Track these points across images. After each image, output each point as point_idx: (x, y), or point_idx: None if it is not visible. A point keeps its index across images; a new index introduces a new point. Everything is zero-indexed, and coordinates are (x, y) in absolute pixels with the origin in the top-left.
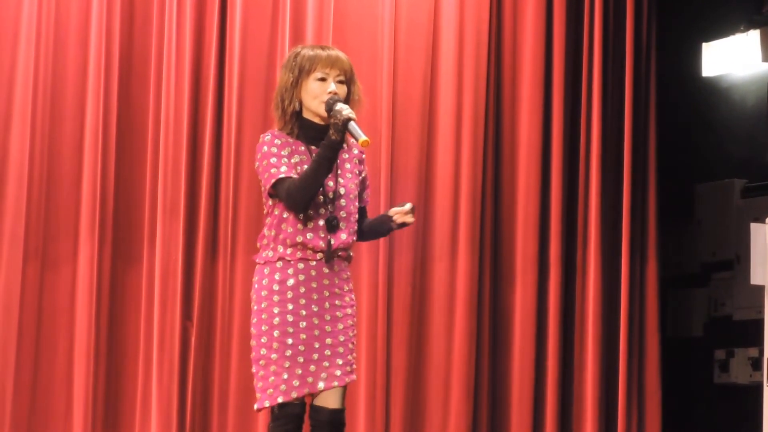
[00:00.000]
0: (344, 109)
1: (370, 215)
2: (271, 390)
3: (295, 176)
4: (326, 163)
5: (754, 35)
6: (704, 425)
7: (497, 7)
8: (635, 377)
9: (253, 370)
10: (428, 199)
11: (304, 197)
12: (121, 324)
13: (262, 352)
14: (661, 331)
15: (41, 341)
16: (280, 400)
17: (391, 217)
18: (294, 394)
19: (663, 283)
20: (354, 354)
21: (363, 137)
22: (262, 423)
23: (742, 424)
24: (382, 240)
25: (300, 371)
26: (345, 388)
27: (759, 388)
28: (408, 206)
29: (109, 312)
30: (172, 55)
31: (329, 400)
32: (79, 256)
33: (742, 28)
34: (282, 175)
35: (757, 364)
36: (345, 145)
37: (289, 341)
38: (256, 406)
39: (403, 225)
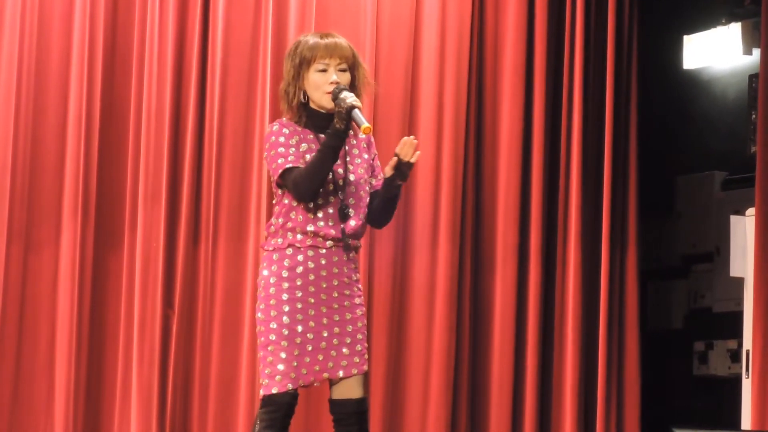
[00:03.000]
0: (348, 97)
1: None
2: (280, 377)
3: (302, 166)
4: (331, 152)
5: (736, 28)
6: (683, 417)
7: (479, 0)
8: (615, 369)
9: (260, 355)
10: (409, 190)
11: (311, 187)
12: (102, 311)
13: (271, 338)
14: (640, 322)
15: (24, 326)
16: (289, 387)
17: (390, 173)
18: (301, 382)
19: (643, 274)
20: (365, 344)
21: (365, 124)
22: (243, 411)
23: (721, 416)
24: None
25: (308, 359)
26: (365, 375)
27: (738, 380)
28: (410, 138)
29: (91, 299)
30: (155, 42)
31: (349, 391)
32: (62, 242)
33: (723, 21)
34: (289, 165)
35: (736, 356)
36: (352, 132)
37: (299, 329)
38: (262, 392)
39: (405, 173)
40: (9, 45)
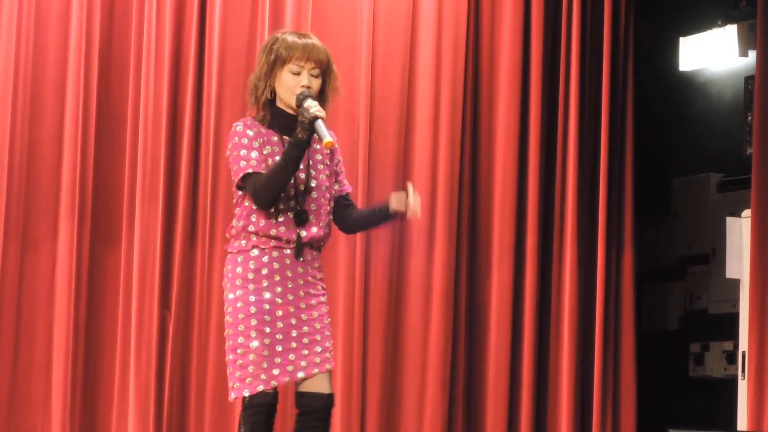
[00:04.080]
0: (312, 107)
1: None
2: (250, 379)
3: (264, 171)
4: (293, 162)
5: (731, 30)
6: (679, 419)
7: (476, 0)
8: (611, 370)
9: (230, 358)
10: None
11: (270, 195)
12: (99, 310)
13: (239, 341)
14: (636, 324)
15: (21, 326)
16: (260, 389)
17: (395, 209)
18: (273, 383)
19: (639, 276)
20: (331, 341)
21: (327, 138)
22: (239, 411)
23: (717, 417)
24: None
25: (279, 360)
26: (330, 373)
27: (734, 381)
28: (410, 188)
29: (87, 298)
30: (151, 42)
31: (319, 386)
32: (59, 241)
33: (719, 23)
34: (250, 170)
35: (731, 357)
36: (316, 136)
37: (267, 329)
38: (232, 395)
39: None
40: (6, 45)
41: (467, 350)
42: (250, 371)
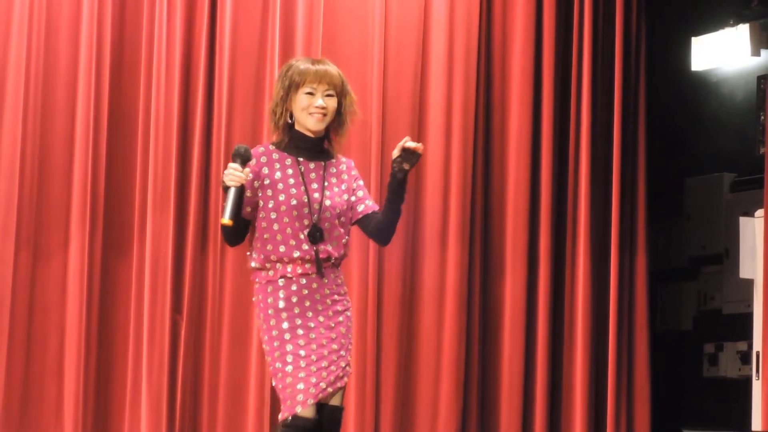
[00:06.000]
0: (227, 174)
1: None
2: (290, 402)
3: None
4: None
5: (743, 29)
6: (693, 419)
7: (487, 1)
8: (624, 371)
9: (277, 385)
10: (418, 193)
11: (225, 239)
12: (111, 316)
13: (277, 366)
14: (650, 324)
15: (33, 332)
16: (298, 410)
17: (397, 162)
18: (311, 401)
19: (652, 276)
20: (350, 354)
21: (226, 219)
22: (251, 415)
23: (731, 417)
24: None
25: (314, 379)
26: (344, 388)
27: (748, 381)
28: (406, 139)
29: (99, 305)
30: (162, 49)
31: (336, 400)
32: (70, 249)
33: (731, 23)
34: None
35: (746, 357)
36: (334, 159)
37: (302, 353)
38: (286, 414)
39: (413, 157)
40: (17, 50)
41: (481, 352)
42: (289, 393)
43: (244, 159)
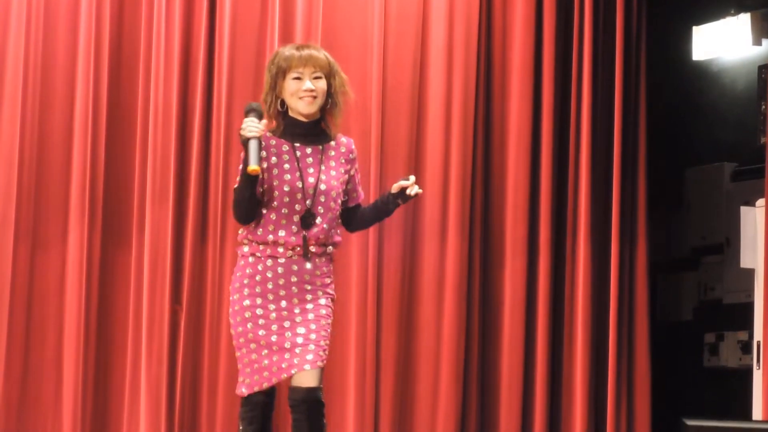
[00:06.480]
0: (245, 127)
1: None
2: (248, 380)
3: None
4: (242, 179)
5: (745, 19)
6: (694, 409)
7: None
8: (625, 362)
9: (237, 356)
10: (418, 184)
11: (237, 215)
12: (110, 308)
13: (240, 341)
14: (650, 315)
15: (31, 323)
16: (246, 390)
17: (395, 194)
18: (265, 385)
19: (652, 267)
20: (327, 341)
21: (251, 165)
22: None
23: (732, 407)
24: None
25: (266, 362)
26: (321, 370)
27: (749, 371)
28: (412, 178)
29: (98, 296)
30: (161, 42)
31: (305, 380)
32: (69, 240)
33: (732, 12)
34: (236, 186)
35: (746, 347)
36: (333, 142)
37: (261, 332)
38: (237, 392)
39: (408, 198)
40: (15, 44)
41: (480, 344)
42: (247, 372)
43: (258, 114)
